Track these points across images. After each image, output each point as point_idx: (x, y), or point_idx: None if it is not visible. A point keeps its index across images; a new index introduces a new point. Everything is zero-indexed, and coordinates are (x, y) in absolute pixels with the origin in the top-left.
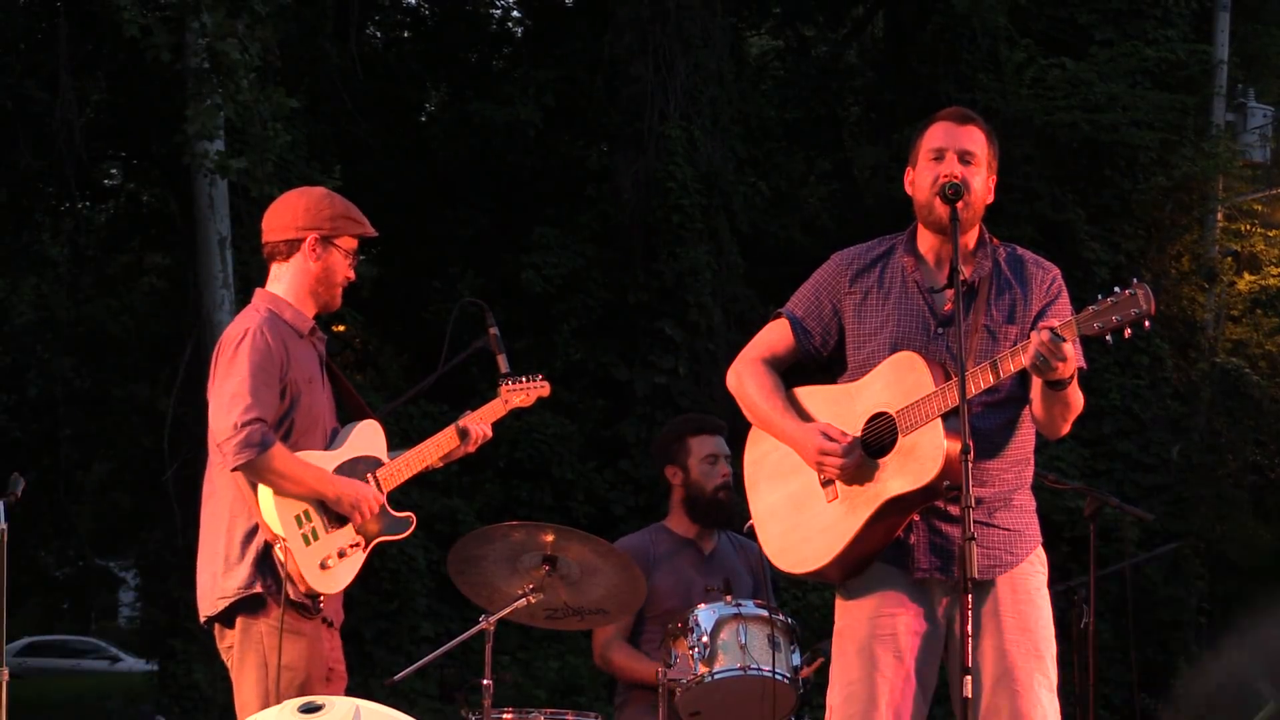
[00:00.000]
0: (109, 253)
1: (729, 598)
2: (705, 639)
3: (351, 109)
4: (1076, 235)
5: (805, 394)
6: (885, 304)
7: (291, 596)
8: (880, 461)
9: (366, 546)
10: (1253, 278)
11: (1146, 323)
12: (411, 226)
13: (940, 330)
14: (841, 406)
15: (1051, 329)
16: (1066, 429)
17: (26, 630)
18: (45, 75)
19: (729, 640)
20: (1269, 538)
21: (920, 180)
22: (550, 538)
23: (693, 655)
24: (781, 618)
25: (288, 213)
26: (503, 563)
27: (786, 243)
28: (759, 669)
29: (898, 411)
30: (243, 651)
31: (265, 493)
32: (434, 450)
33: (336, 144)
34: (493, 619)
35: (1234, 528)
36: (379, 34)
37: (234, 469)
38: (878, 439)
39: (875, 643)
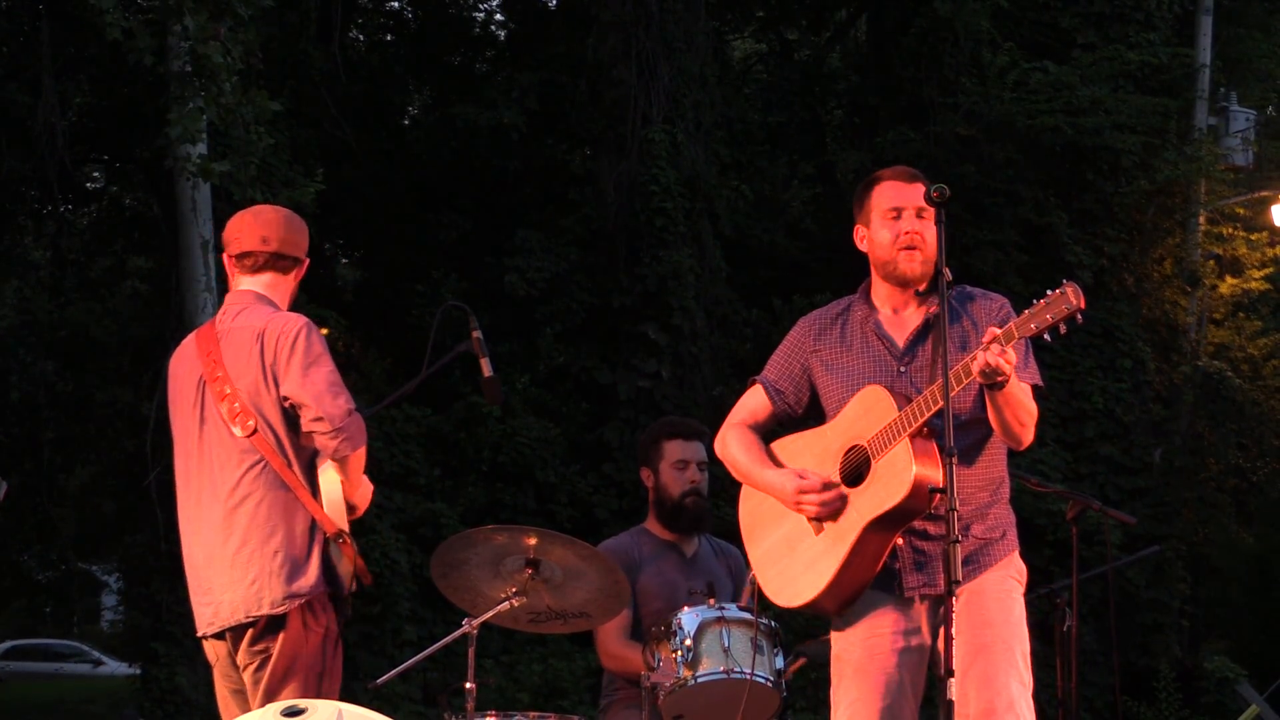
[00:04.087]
0: (91, 256)
1: (712, 601)
2: (688, 642)
3: (334, 112)
4: (1059, 239)
5: (782, 444)
6: (848, 355)
7: (352, 589)
8: (858, 489)
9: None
10: (1235, 281)
11: (1079, 317)
12: (394, 230)
13: (903, 369)
14: (819, 446)
15: (990, 341)
16: (1026, 435)
17: (9, 634)
18: (27, 78)
19: (712, 643)
20: (1251, 541)
21: (878, 238)
22: (533, 541)
23: (676, 659)
24: (765, 621)
25: (302, 234)
26: (486, 566)
27: (769, 246)
28: (742, 672)
29: (868, 440)
30: (289, 657)
31: (335, 487)
32: None
33: (319, 147)
34: (475, 622)
35: (1216, 531)
36: (362, 37)
37: (347, 455)
38: (854, 470)
39: (870, 663)
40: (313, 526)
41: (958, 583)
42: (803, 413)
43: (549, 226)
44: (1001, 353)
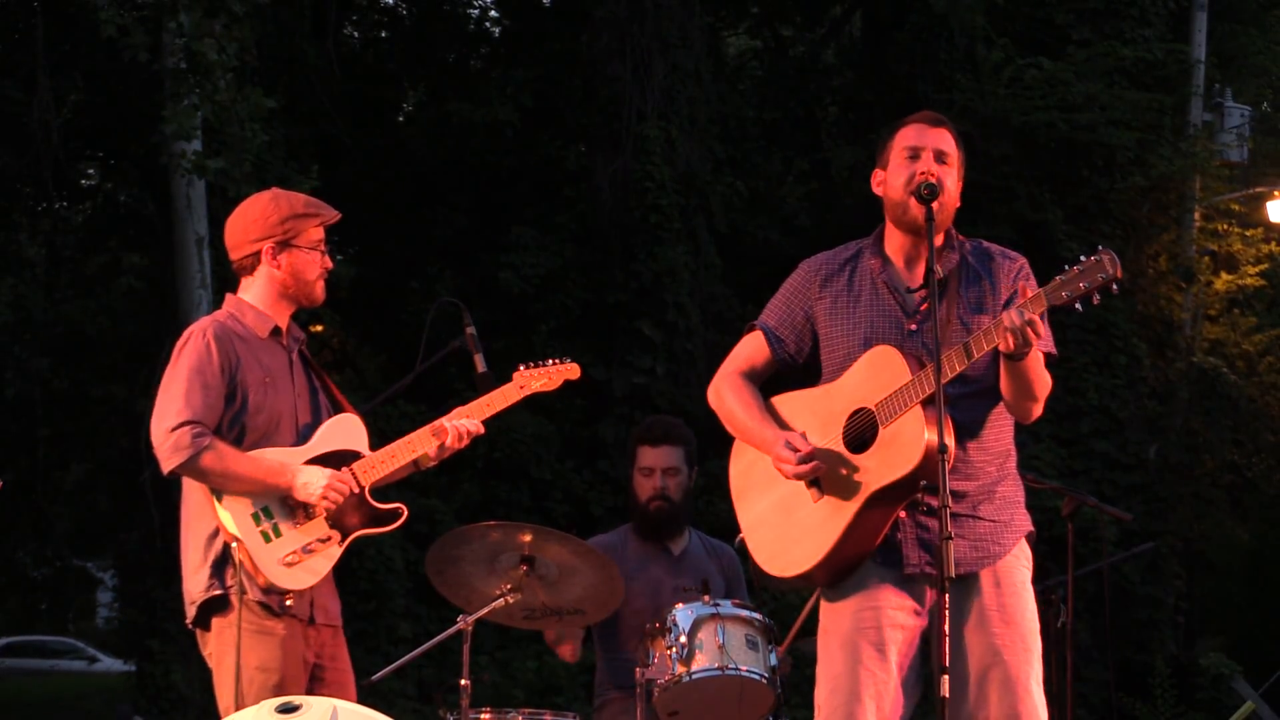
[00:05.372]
0: (86, 253)
1: (707, 598)
2: (683, 639)
3: (329, 109)
4: (1054, 235)
5: (783, 400)
6: (856, 307)
7: (250, 596)
8: (863, 456)
9: (343, 540)
10: (1230, 277)
11: (1114, 287)
12: (389, 226)
13: (913, 329)
14: (821, 407)
15: (1019, 306)
16: (1038, 409)
17: (4, 631)
18: (22, 75)
19: (707, 640)
20: (1246, 537)
21: (893, 179)
22: (528, 538)
23: (671, 655)
24: (760, 618)
25: (240, 228)
26: (481, 563)
27: (764, 242)
28: (737, 669)
29: (876, 404)
30: (218, 655)
31: (217, 494)
32: (413, 446)
33: (314, 144)
34: (470, 619)
35: (1211, 527)
36: (357, 34)
37: (167, 473)
38: (859, 434)
39: (858, 636)
40: (216, 531)
41: (951, 579)
42: (803, 362)
43: (544, 223)
44: (1033, 316)
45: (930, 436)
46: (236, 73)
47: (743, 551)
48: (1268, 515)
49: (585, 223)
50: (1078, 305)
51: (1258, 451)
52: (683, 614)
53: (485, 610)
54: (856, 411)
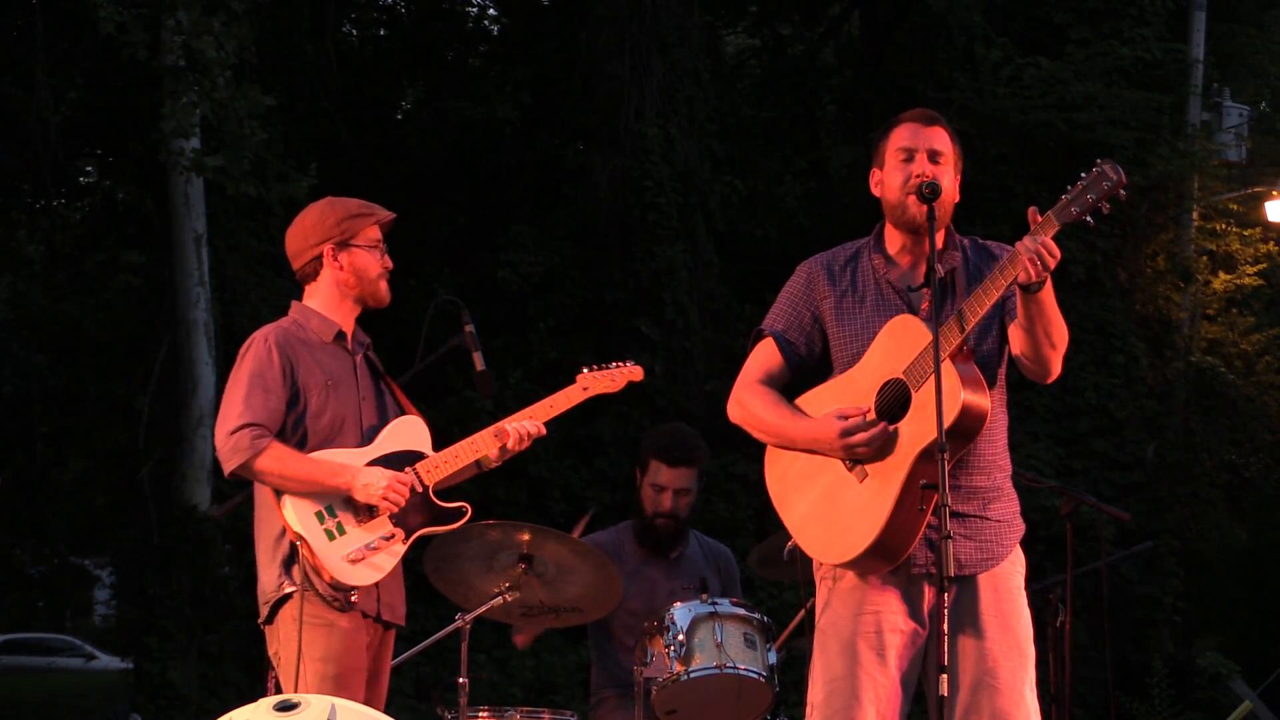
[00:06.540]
0: (84, 250)
1: (705, 596)
2: (681, 637)
3: (328, 107)
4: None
5: (808, 398)
6: (863, 306)
7: (320, 590)
8: (901, 423)
9: (407, 538)
10: (1228, 277)
11: (1122, 192)
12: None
13: None
14: (848, 391)
15: (1031, 233)
16: (1058, 360)
17: (1, 628)
18: (21, 72)
19: (705, 639)
20: (1244, 536)
21: (890, 181)
22: (527, 536)
23: (669, 654)
24: (758, 616)
25: (299, 236)
26: (479, 561)
27: (763, 241)
28: (735, 667)
29: (905, 370)
30: (284, 651)
31: (281, 494)
32: (475, 447)
33: (313, 142)
34: (469, 617)
35: (1209, 526)
36: (355, 32)
37: (228, 474)
38: (892, 406)
39: (859, 639)
40: (283, 531)
41: (951, 580)
42: (816, 362)
43: (542, 221)
44: (1047, 239)
45: (965, 394)
46: (235, 70)
47: (792, 559)
48: (1266, 515)
49: (584, 221)
50: (1088, 219)
51: (1255, 451)
52: (681, 613)
53: (483, 608)
54: (885, 384)
